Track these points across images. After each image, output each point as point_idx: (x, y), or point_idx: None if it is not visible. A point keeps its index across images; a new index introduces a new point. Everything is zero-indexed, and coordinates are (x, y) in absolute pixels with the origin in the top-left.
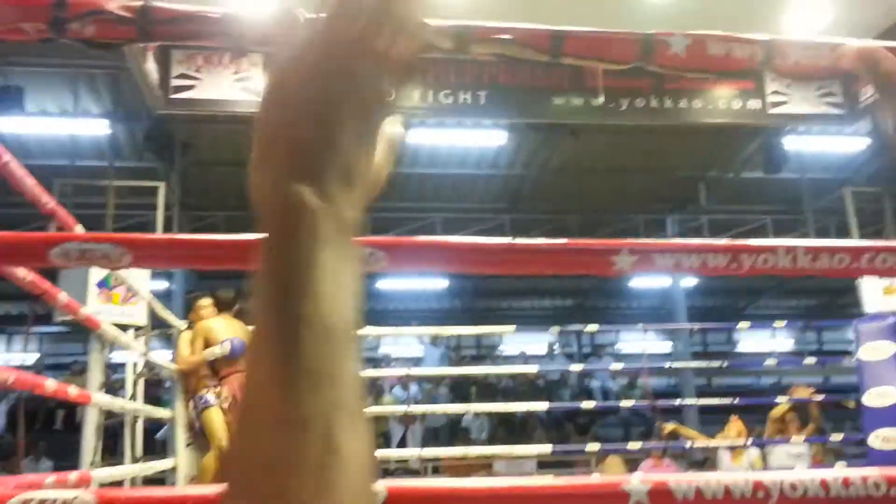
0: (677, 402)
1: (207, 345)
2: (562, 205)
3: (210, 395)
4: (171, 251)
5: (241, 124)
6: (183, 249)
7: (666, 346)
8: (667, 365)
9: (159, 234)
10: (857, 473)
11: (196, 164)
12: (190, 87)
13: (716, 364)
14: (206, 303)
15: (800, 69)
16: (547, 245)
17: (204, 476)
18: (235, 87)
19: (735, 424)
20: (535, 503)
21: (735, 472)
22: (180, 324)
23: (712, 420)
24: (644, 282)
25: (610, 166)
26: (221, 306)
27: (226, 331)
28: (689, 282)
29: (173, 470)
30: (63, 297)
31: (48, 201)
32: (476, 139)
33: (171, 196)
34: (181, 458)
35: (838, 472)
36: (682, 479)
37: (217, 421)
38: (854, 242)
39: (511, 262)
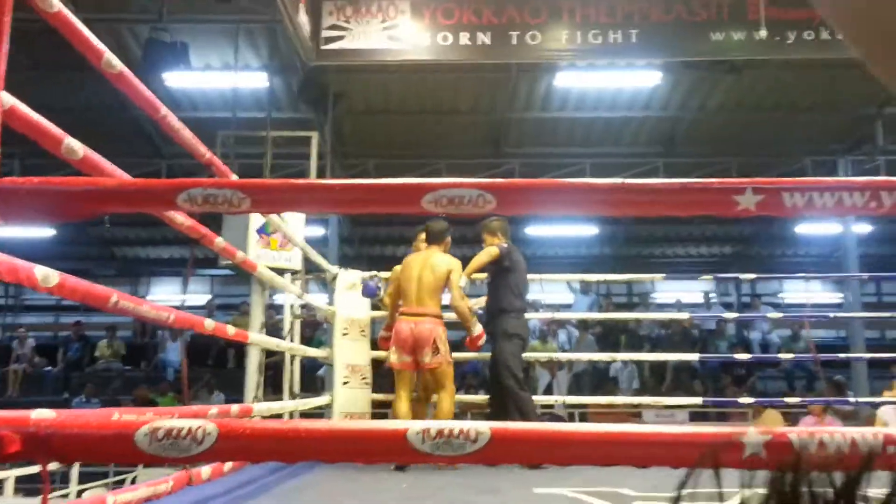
0: (842, 355)
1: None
2: (721, 147)
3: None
4: (287, 195)
5: (391, 73)
6: (299, 193)
7: (836, 297)
8: (831, 315)
9: (276, 180)
10: None
11: (348, 113)
12: (340, 38)
13: (886, 315)
14: (420, 237)
15: None
16: (663, 185)
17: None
18: (383, 35)
19: None
20: (639, 449)
21: (868, 428)
22: (332, 268)
23: (884, 375)
24: (812, 227)
25: (775, 105)
26: (431, 239)
27: (414, 266)
28: (863, 228)
29: (330, 406)
30: (220, 241)
31: (205, 152)
32: (628, 80)
33: (325, 145)
34: (337, 395)
35: None
36: (804, 432)
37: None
38: None
39: (625, 202)
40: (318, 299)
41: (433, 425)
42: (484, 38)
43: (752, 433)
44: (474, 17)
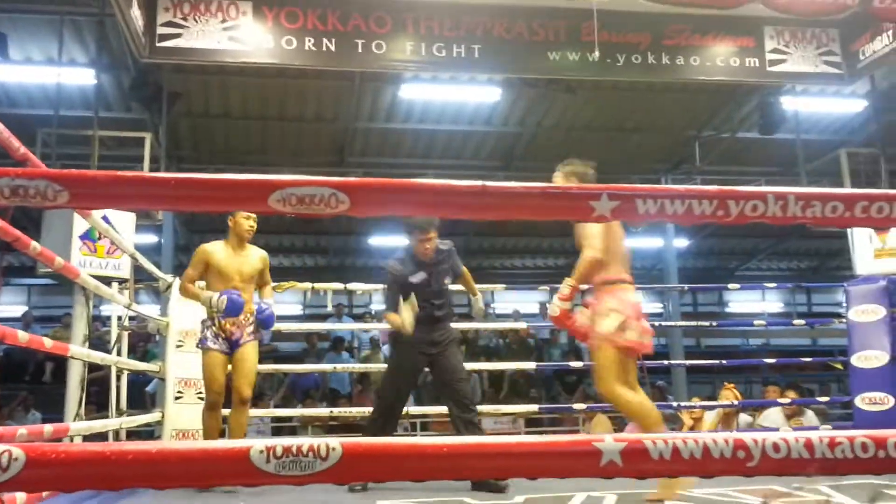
0: (665, 362)
1: None
2: (556, 163)
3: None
4: (113, 188)
5: (232, 75)
6: (128, 187)
7: (657, 307)
8: (656, 324)
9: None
10: (843, 434)
11: (186, 115)
12: (177, 36)
13: (705, 324)
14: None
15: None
16: (523, 189)
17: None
18: (223, 36)
19: (729, 391)
20: (508, 461)
21: (717, 433)
22: (166, 277)
23: (700, 380)
24: (637, 242)
25: (605, 124)
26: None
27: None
28: (681, 243)
29: (161, 423)
30: (36, 246)
31: (18, 146)
32: (470, 95)
33: (158, 148)
34: (169, 411)
35: (823, 433)
36: (658, 438)
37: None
38: (848, 190)
39: (485, 206)
40: (149, 310)
41: (279, 443)
42: (329, 45)
43: (609, 441)
44: (319, 23)
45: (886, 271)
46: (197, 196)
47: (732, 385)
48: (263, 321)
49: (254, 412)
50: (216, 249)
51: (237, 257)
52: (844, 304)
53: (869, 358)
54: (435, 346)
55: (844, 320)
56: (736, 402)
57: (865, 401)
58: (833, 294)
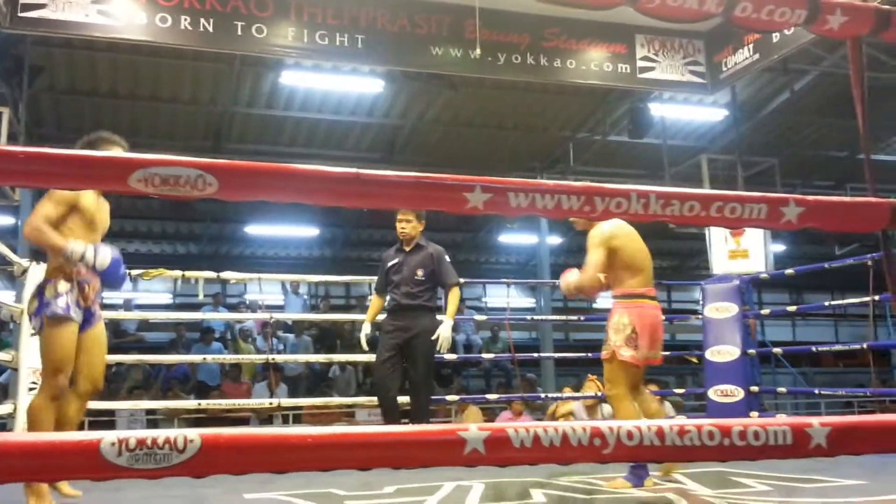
0: (535, 354)
1: None
2: (436, 158)
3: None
4: None
5: (102, 51)
6: None
7: (529, 301)
8: (528, 318)
9: None
10: (691, 423)
11: (49, 90)
12: (41, 6)
13: (573, 318)
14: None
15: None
16: (397, 177)
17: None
18: (92, 9)
19: (592, 383)
20: (371, 451)
21: (575, 422)
22: (22, 261)
23: (567, 373)
24: (513, 238)
25: (486, 121)
26: None
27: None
28: (555, 240)
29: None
30: None
31: None
32: (353, 85)
33: (17, 124)
34: (22, 403)
35: (674, 421)
36: (519, 427)
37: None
38: (705, 191)
39: (358, 193)
40: (2, 296)
41: (133, 434)
42: (207, 25)
43: (473, 430)
44: (196, 2)
45: (739, 271)
46: (50, 172)
47: (595, 377)
48: (118, 279)
49: (121, 405)
50: (85, 192)
51: (101, 206)
52: (701, 302)
53: (722, 352)
54: (404, 332)
55: (700, 317)
56: (598, 394)
57: (718, 392)
58: (691, 292)
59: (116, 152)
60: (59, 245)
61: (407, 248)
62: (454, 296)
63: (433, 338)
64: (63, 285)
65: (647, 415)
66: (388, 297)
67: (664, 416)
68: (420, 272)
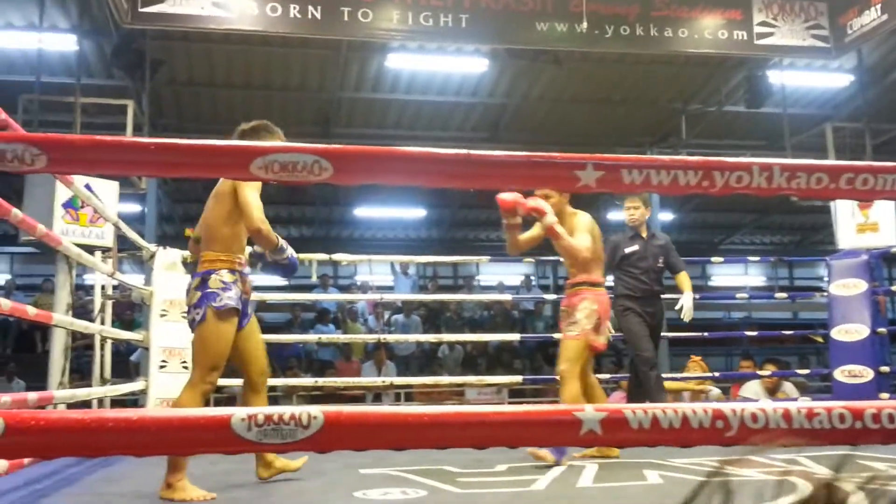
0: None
1: None
2: (542, 135)
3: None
4: (92, 153)
5: (216, 43)
6: (107, 152)
7: None
8: None
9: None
10: (820, 405)
11: (169, 83)
12: (160, 1)
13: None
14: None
15: None
16: (507, 157)
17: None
18: (207, 2)
19: (696, 364)
20: (487, 430)
21: (696, 403)
22: (150, 246)
23: (683, 353)
24: (623, 215)
25: (592, 96)
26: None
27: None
28: (666, 217)
29: (145, 392)
30: (17, 213)
31: None
32: (457, 65)
33: (141, 116)
34: (153, 380)
35: (801, 403)
36: (637, 408)
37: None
38: (833, 162)
39: (468, 174)
40: (134, 279)
41: (261, 411)
42: (314, 13)
43: (589, 410)
44: None
45: (868, 245)
46: (177, 162)
47: (699, 358)
48: (294, 268)
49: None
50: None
51: None
52: (826, 279)
53: (849, 331)
54: (652, 318)
55: (826, 294)
56: (702, 374)
57: (844, 374)
58: (815, 268)
59: (276, 141)
60: (273, 238)
61: (644, 235)
62: (687, 277)
63: (676, 308)
64: (228, 276)
65: (594, 398)
66: (628, 282)
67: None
68: (661, 261)
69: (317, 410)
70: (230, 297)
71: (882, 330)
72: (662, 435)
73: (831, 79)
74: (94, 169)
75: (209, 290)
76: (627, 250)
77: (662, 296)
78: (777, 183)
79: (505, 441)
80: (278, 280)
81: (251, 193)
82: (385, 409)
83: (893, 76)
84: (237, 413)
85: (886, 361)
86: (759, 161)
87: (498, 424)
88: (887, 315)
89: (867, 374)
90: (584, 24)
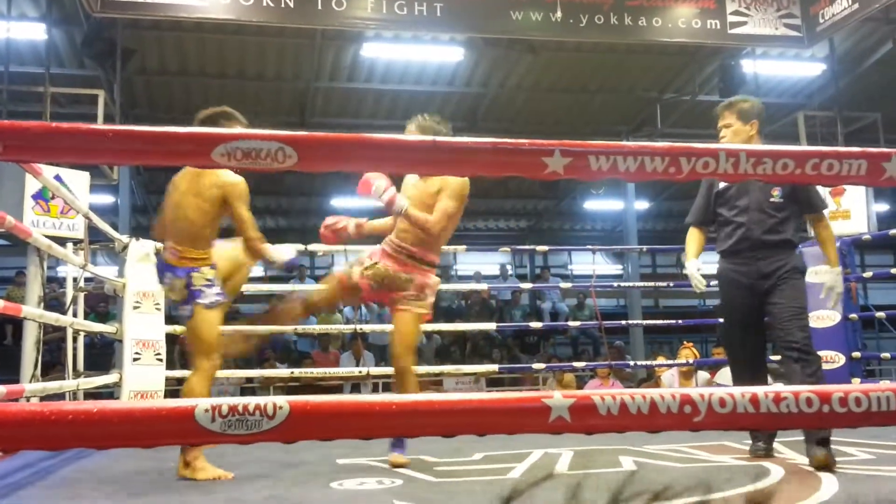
0: (624, 322)
1: None
2: (519, 124)
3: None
4: (47, 141)
5: (189, 32)
6: (62, 139)
7: (617, 269)
8: (615, 285)
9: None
10: (788, 389)
11: (141, 72)
12: None
13: (662, 285)
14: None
15: None
16: (474, 144)
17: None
18: None
19: (689, 350)
20: (455, 418)
21: (664, 389)
22: (122, 237)
23: (657, 340)
24: (599, 204)
25: (568, 85)
26: None
27: None
28: (642, 205)
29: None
30: None
31: None
32: (433, 54)
33: (113, 106)
34: (127, 373)
35: (769, 388)
36: (606, 394)
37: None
38: (799, 147)
39: (436, 161)
40: (108, 271)
41: (225, 402)
42: (287, 2)
43: (558, 397)
44: None
45: (840, 233)
46: (137, 149)
47: (691, 344)
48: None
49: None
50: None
51: None
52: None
53: (822, 318)
54: (765, 280)
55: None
56: (691, 361)
57: None
58: None
59: (237, 128)
60: (267, 254)
61: None
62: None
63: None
64: (210, 272)
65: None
66: (721, 232)
67: None
68: (776, 191)
69: (283, 401)
70: (216, 293)
71: (854, 316)
72: (631, 420)
73: (804, 68)
74: (50, 157)
75: (194, 288)
76: (722, 185)
77: (793, 246)
78: (743, 168)
79: (474, 429)
80: (256, 270)
81: (245, 210)
82: (353, 397)
83: (865, 65)
84: (201, 404)
85: (859, 347)
86: (726, 147)
87: (466, 412)
88: (859, 301)
89: (839, 359)
90: (559, 14)
